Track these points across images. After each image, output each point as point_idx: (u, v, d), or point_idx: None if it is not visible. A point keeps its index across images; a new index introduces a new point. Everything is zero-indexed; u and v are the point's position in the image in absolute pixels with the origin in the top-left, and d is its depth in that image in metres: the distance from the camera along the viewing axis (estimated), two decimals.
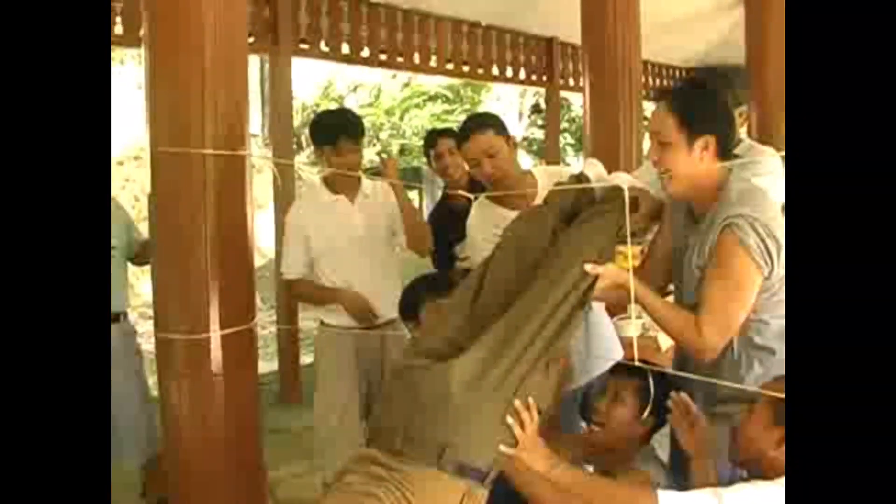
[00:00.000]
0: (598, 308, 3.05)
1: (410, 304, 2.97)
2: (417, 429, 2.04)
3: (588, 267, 2.19)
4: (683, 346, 2.38)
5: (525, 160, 17.79)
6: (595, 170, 2.72)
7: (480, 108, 18.13)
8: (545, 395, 2.14)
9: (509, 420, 2.04)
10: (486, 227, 3.02)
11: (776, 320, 2.31)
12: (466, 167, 4.23)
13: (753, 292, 2.24)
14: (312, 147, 3.82)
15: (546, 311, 2.12)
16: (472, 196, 3.21)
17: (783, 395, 1.91)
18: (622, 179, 2.53)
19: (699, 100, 2.35)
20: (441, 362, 2.11)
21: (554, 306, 2.13)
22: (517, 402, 2.06)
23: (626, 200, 2.24)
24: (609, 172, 2.85)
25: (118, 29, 5.25)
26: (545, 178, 2.98)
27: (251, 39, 5.76)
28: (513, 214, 2.93)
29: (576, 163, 18.22)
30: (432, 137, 4.55)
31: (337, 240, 3.56)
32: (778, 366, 2.27)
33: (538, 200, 2.87)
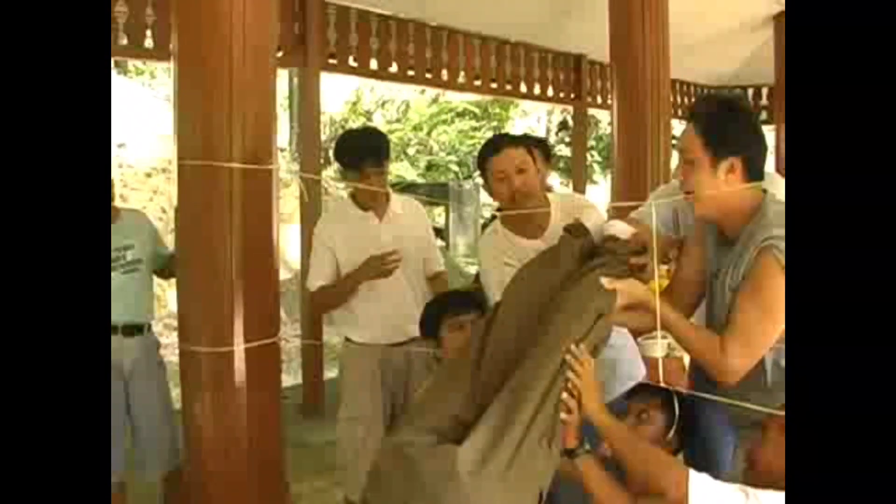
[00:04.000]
0: (621, 329, 3.01)
1: (431, 325, 2.95)
2: None
3: (605, 281, 2.17)
4: (705, 367, 2.31)
5: (552, 178, 17.78)
6: (593, 221, 2.64)
7: (508, 125, 18.15)
8: (548, 474, 2.13)
9: (567, 357, 2.08)
10: (497, 253, 2.99)
11: None
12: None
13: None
14: (338, 166, 3.78)
15: (546, 384, 2.09)
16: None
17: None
18: (619, 229, 2.49)
19: (724, 121, 2.29)
20: (444, 442, 2.08)
21: (553, 377, 2.10)
22: (573, 348, 2.09)
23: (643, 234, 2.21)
24: (638, 192, 2.80)
25: (148, 42, 5.30)
26: (562, 209, 2.93)
27: (280, 54, 5.79)
28: (525, 243, 2.92)
29: (602, 181, 18.20)
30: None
31: (363, 256, 3.53)
32: None
33: (551, 228, 2.87)
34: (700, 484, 1.93)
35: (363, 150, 3.56)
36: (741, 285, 2.23)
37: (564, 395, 2.09)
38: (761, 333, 2.18)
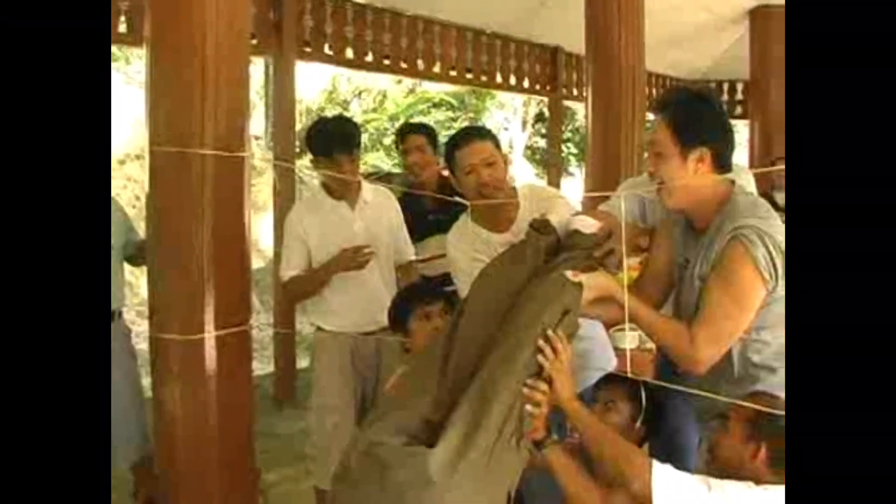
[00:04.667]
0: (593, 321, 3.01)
1: (399, 315, 2.95)
2: None
3: (569, 273, 2.18)
4: (674, 357, 2.32)
5: (527, 169, 17.79)
6: (559, 217, 2.63)
7: (485, 116, 18.13)
8: (517, 473, 2.14)
9: (541, 343, 2.09)
10: (465, 247, 2.99)
11: (777, 339, 2.28)
12: (438, 168, 4.21)
13: (755, 306, 2.19)
14: (310, 155, 3.77)
15: (514, 381, 2.09)
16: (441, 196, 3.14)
17: (762, 410, 2.00)
18: (583, 223, 2.49)
19: (694, 112, 2.29)
20: (414, 443, 2.08)
21: (521, 373, 2.10)
22: (549, 333, 2.10)
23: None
24: (612, 185, 2.80)
25: (122, 28, 5.25)
26: (530, 201, 2.93)
27: (255, 41, 5.75)
28: (495, 237, 2.91)
29: (579, 173, 18.23)
30: (402, 132, 4.48)
31: (335, 245, 3.53)
32: (780, 385, 2.26)
33: (519, 220, 2.86)
34: (663, 475, 1.96)
35: (333, 139, 3.56)
36: (709, 275, 2.25)
37: (527, 387, 2.09)
38: (729, 323, 2.20)
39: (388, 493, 2.01)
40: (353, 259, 3.48)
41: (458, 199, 3.36)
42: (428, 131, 4.50)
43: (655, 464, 1.97)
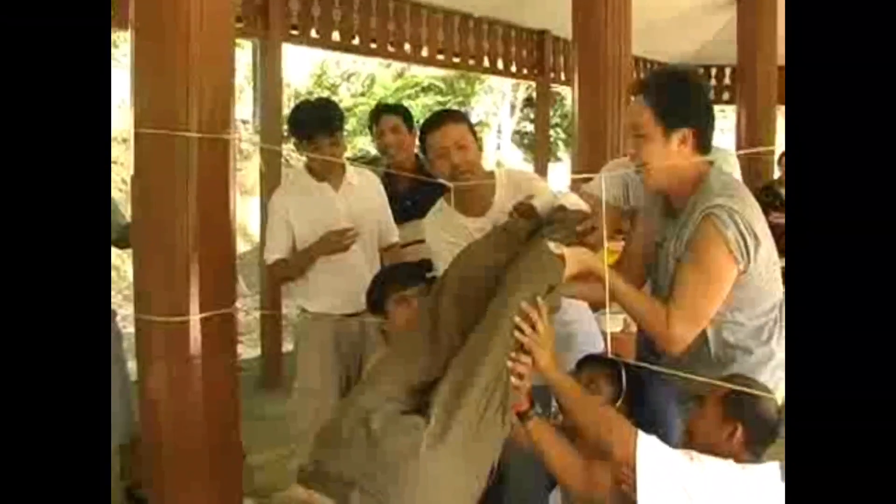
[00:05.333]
0: (578, 304, 3.02)
1: (377, 299, 2.96)
2: (379, 486, 1.98)
3: (552, 245, 2.20)
4: (650, 335, 2.37)
5: (515, 154, 17.78)
6: (543, 200, 2.65)
7: (473, 101, 18.12)
8: (499, 446, 2.17)
9: (517, 320, 2.11)
10: (443, 233, 2.99)
11: (752, 321, 2.31)
12: (414, 150, 4.18)
13: (727, 285, 2.22)
14: (293, 138, 3.76)
15: (497, 355, 2.11)
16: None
17: (738, 391, 2.05)
18: (570, 200, 2.50)
19: (676, 92, 2.31)
20: (408, 415, 2.10)
21: (503, 348, 2.12)
22: (523, 304, 2.12)
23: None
24: (598, 168, 2.81)
25: None
26: (506, 186, 2.93)
27: (241, 24, 5.73)
28: (471, 222, 2.92)
29: (567, 158, 18.23)
30: (376, 113, 4.39)
31: (319, 227, 3.53)
32: (757, 366, 2.29)
33: (496, 205, 2.88)
34: (647, 444, 1.98)
35: (315, 122, 3.55)
36: (683, 255, 2.27)
37: (511, 360, 2.11)
38: (702, 302, 2.23)
39: (376, 461, 2.01)
40: (338, 242, 3.49)
41: (437, 180, 3.37)
42: (403, 112, 4.45)
43: (641, 433, 2.00)
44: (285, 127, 6.58)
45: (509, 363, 2.11)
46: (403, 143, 4.24)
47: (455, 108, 14.76)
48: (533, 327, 2.12)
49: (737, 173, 2.95)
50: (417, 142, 3.64)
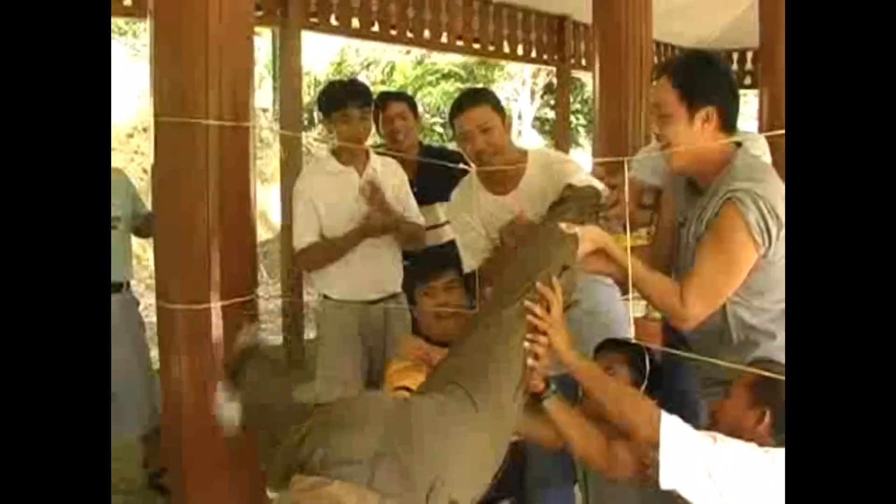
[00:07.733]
0: (608, 290, 2.99)
1: (412, 282, 2.96)
2: (403, 459, 1.82)
3: (563, 225, 2.19)
4: (664, 313, 2.35)
5: (536, 140, 17.72)
6: (578, 179, 2.67)
7: (494, 87, 18.06)
8: (513, 424, 2.15)
9: (527, 304, 2.10)
10: (469, 210, 3.01)
11: (775, 305, 2.29)
12: (418, 136, 4.24)
13: (746, 268, 2.20)
14: (322, 116, 3.75)
15: (515, 336, 2.11)
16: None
17: (765, 375, 2.00)
18: (580, 178, 2.51)
19: (699, 71, 2.29)
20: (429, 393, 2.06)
21: (519, 329, 2.12)
22: (539, 285, 2.11)
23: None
24: (619, 153, 2.81)
25: (127, 1, 5.23)
26: (537, 166, 2.93)
27: (260, 12, 5.73)
28: (500, 199, 2.93)
29: (587, 144, 18.17)
30: (382, 100, 4.37)
31: (342, 209, 3.51)
32: (780, 350, 2.26)
33: (523, 184, 2.89)
34: (671, 424, 1.96)
35: (347, 93, 3.54)
36: (703, 235, 2.26)
37: (527, 342, 2.10)
38: (719, 281, 2.21)
39: (396, 436, 1.86)
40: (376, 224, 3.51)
41: (445, 163, 3.41)
42: (407, 98, 4.47)
43: (664, 413, 1.98)
44: (305, 115, 6.61)
45: (525, 344, 2.10)
46: (410, 129, 4.27)
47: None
48: (548, 308, 2.11)
49: (766, 157, 2.92)
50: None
